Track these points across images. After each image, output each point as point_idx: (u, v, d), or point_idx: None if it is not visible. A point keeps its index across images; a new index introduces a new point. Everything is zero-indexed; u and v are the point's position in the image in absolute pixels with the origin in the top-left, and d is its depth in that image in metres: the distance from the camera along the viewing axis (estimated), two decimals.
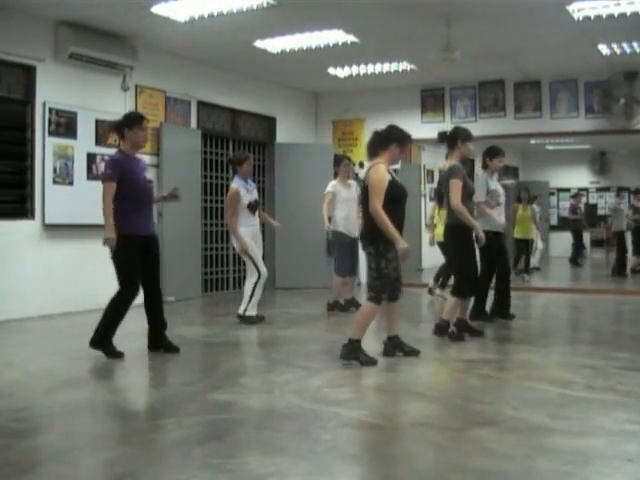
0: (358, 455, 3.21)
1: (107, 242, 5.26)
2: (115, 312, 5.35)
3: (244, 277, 10.47)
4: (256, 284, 7.03)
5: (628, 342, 6.45)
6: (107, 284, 8.15)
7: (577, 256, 15.82)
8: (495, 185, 6.98)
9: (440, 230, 9.28)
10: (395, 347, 5.38)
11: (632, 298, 9.96)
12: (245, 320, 7.04)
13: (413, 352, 5.37)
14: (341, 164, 8.20)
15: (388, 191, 5.02)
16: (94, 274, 8.02)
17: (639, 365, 5.14)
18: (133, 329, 5.44)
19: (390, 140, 5.16)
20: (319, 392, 4.33)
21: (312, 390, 4.36)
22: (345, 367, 5.11)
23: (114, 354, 5.30)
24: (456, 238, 6.10)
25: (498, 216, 6.85)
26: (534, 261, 14.79)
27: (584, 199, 17.97)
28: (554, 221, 18.70)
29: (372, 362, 5.04)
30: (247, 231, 6.96)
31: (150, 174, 5.56)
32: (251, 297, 7.05)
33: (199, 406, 4.06)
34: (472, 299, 6.56)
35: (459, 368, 5.16)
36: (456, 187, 5.90)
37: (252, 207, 6.98)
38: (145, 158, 8.70)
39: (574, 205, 15.93)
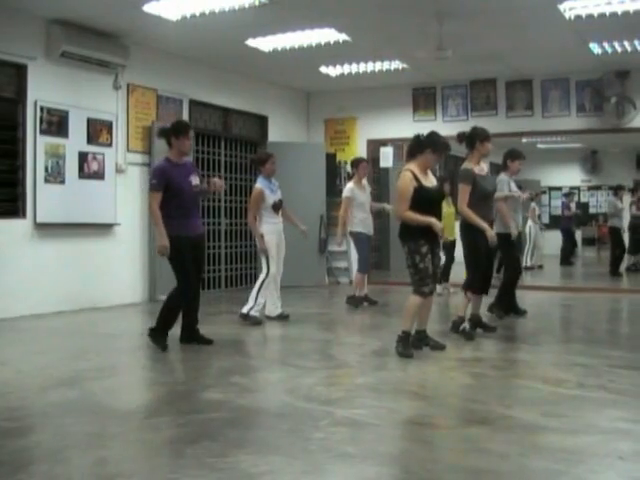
0: (350, 454, 3.21)
1: (160, 249, 5.45)
2: (174, 306, 5.64)
3: (237, 276, 10.58)
4: (263, 283, 6.89)
5: (620, 340, 6.49)
6: (99, 283, 8.22)
7: (568, 255, 15.84)
8: (515, 187, 7.05)
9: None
10: (421, 340, 5.53)
11: (625, 296, 10.01)
12: (248, 319, 6.87)
13: (438, 346, 5.55)
14: (359, 166, 8.28)
15: (414, 196, 5.25)
16: (86, 273, 8.02)
17: (631, 363, 5.17)
18: (127, 328, 5.42)
19: (425, 146, 5.34)
20: (312, 391, 4.33)
21: (305, 389, 4.36)
22: (337, 366, 5.12)
23: (162, 345, 5.57)
24: (468, 235, 6.12)
25: (512, 220, 6.90)
26: (534, 260, 14.77)
27: (576, 197, 18.04)
28: (546, 219, 18.73)
29: (407, 355, 5.26)
30: (272, 228, 6.93)
31: (196, 179, 5.70)
32: (257, 298, 6.88)
33: (192, 405, 4.06)
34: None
35: (452, 366, 5.17)
36: (463, 192, 6.00)
37: (276, 207, 6.96)
38: (136, 157, 8.79)
39: (566, 203, 15.95)
